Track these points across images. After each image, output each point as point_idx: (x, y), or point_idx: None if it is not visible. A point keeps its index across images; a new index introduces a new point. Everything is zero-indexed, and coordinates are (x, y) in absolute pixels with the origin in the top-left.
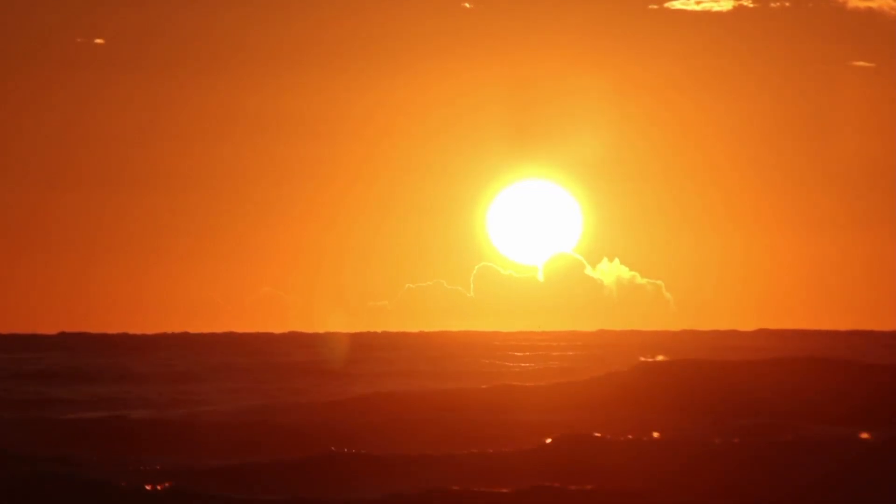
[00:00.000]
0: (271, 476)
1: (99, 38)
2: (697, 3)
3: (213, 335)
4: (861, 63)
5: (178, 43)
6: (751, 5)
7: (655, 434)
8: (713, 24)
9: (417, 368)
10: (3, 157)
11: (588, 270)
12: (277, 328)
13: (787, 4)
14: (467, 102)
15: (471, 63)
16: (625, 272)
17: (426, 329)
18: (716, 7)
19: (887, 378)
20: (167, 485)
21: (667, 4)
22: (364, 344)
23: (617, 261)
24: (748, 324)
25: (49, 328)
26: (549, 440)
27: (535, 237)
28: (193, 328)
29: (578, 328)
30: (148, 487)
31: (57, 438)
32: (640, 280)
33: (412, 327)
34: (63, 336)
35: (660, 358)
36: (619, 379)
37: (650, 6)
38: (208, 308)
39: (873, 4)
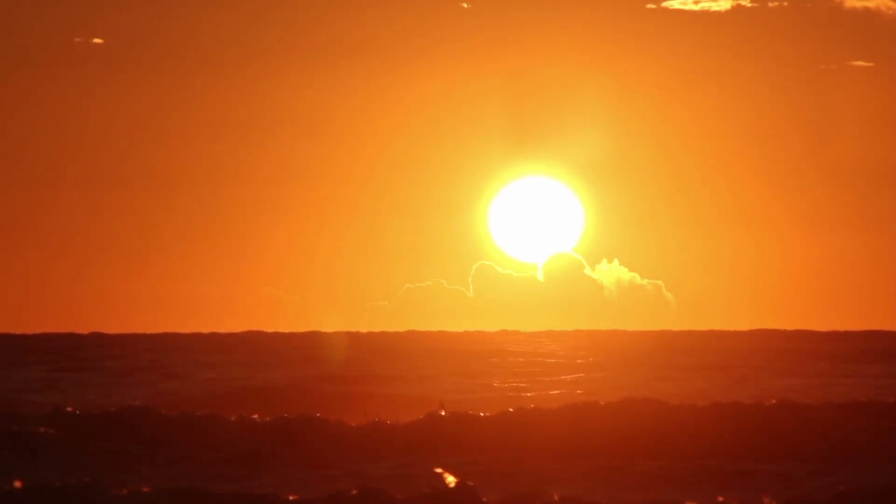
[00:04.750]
0: None
1: (97, 37)
2: (696, 2)
3: (215, 335)
4: (860, 63)
5: (178, 43)
6: (749, 5)
7: None
8: (711, 23)
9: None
10: (1, 156)
11: (587, 271)
12: (277, 328)
13: (786, 4)
14: (467, 101)
15: (469, 61)
16: (624, 273)
17: (429, 329)
18: (714, 7)
19: None
20: None
21: (665, 4)
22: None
23: (616, 262)
24: (749, 324)
25: (45, 328)
26: None
27: (536, 235)
28: (192, 328)
29: (583, 328)
30: None
31: None
32: (639, 281)
33: (412, 327)
34: (60, 336)
35: None
36: None
37: (648, 5)
38: (208, 308)
39: (871, 4)
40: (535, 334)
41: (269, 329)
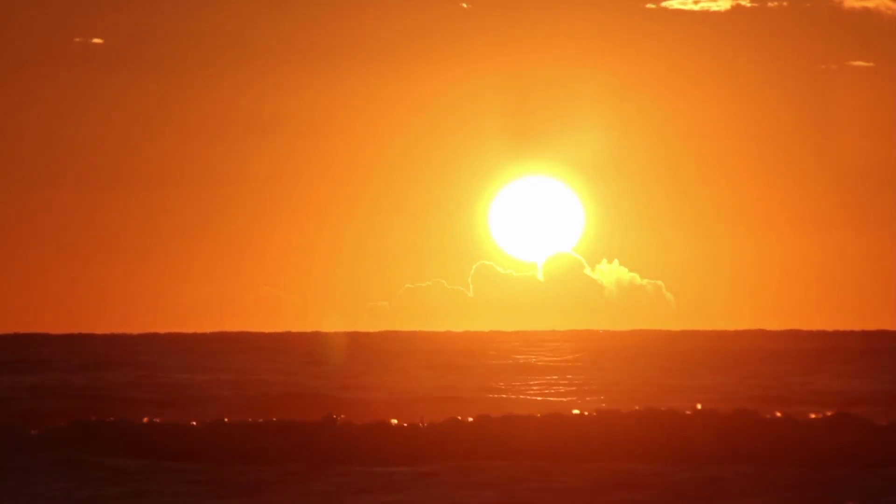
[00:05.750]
0: None
1: (97, 37)
2: (695, 2)
3: (214, 334)
4: (859, 63)
5: (178, 43)
6: (749, 5)
7: None
8: (711, 23)
9: None
10: (1, 156)
11: (587, 271)
12: (277, 328)
13: (785, 4)
14: (467, 100)
15: (469, 61)
16: (624, 273)
17: (429, 329)
18: (714, 7)
19: None
20: None
21: (664, 4)
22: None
23: (616, 262)
24: (749, 323)
25: (44, 328)
26: None
27: (537, 234)
28: (193, 328)
29: (583, 328)
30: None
31: None
32: (639, 281)
33: (411, 327)
34: (60, 337)
35: None
36: None
37: (647, 5)
38: (208, 308)
39: (870, 4)
40: (524, 334)
41: (267, 329)
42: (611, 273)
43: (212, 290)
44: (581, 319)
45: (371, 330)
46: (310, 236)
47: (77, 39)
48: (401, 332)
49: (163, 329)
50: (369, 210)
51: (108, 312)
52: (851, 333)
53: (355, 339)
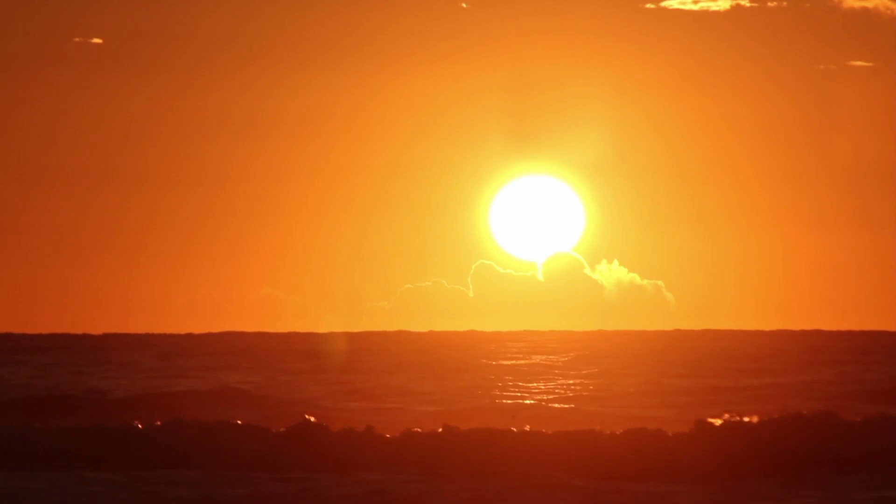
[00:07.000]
0: None
1: (97, 37)
2: (695, 2)
3: (214, 335)
4: (859, 63)
5: (177, 43)
6: (748, 5)
7: None
8: (711, 23)
9: None
10: (0, 156)
11: (587, 271)
12: (277, 328)
13: (785, 4)
14: (467, 100)
15: (468, 60)
16: (624, 273)
17: (427, 329)
18: (713, 6)
19: None
20: None
21: (664, 4)
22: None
23: (616, 262)
24: (749, 324)
25: (44, 328)
26: None
27: (537, 234)
28: (192, 328)
29: (583, 328)
30: None
31: None
32: (639, 281)
33: (412, 327)
34: (59, 336)
35: None
36: None
37: (647, 5)
38: (208, 308)
39: (869, 4)
40: (523, 334)
41: (267, 329)
42: (611, 273)
43: (212, 290)
44: (581, 320)
45: (371, 330)
46: (309, 236)
47: (77, 39)
48: (401, 332)
49: (162, 329)
50: (368, 210)
51: (106, 312)
52: (851, 333)
53: (354, 339)
